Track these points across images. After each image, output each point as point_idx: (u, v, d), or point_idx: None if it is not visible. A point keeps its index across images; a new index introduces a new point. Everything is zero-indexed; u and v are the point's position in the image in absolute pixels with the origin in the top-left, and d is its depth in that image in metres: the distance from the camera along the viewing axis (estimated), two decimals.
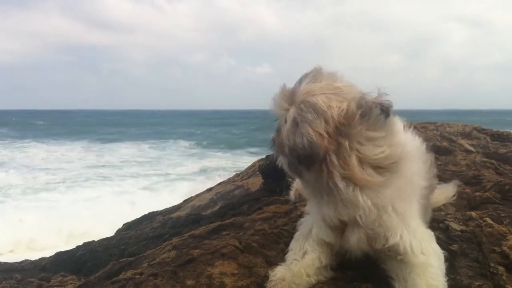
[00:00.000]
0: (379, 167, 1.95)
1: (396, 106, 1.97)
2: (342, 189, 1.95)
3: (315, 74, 2.04)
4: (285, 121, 2.02)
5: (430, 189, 2.43)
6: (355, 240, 2.13)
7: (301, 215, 3.06)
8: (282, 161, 2.16)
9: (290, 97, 2.03)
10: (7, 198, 19.61)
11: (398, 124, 2.10)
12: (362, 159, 1.93)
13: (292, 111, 1.98)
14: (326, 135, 1.87)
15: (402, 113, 2.20)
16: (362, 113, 1.89)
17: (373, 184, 1.95)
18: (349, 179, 1.94)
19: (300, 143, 1.90)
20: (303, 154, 1.91)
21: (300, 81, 2.05)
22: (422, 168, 2.24)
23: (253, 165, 7.60)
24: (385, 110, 1.92)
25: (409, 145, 2.11)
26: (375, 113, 1.90)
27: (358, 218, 2.03)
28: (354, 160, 1.91)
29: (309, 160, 1.92)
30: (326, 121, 1.88)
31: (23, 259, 4.73)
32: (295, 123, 1.95)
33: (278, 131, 2.10)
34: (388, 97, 1.95)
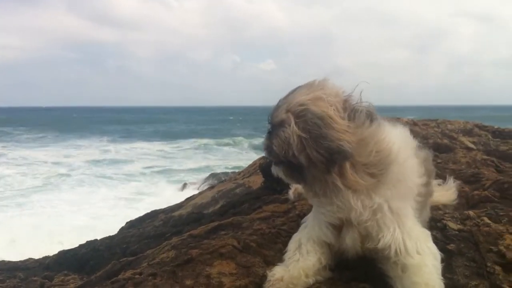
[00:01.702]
0: (370, 169, 1.99)
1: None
2: (339, 191, 2.01)
3: (307, 85, 2.10)
4: (282, 130, 2.03)
5: (428, 187, 2.43)
6: (350, 239, 2.15)
7: (299, 215, 3.07)
8: (277, 169, 2.21)
9: (286, 107, 2.06)
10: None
11: (386, 124, 2.12)
12: (353, 162, 1.97)
13: (292, 121, 2.00)
14: (344, 131, 1.92)
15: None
16: (347, 116, 1.95)
17: (364, 186, 2.00)
18: (343, 182, 1.99)
19: (330, 147, 1.90)
20: (335, 155, 1.91)
21: (293, 92, 2.11)
22: (416, 166, 2.24)
23: (254, 163, 7.61)
24: (370, 114, 1.99)
25: (400, 144, 2.12)
26: (360, 116, 1.96)
27: (351, 218, 2.06)
28: (346, 164, 1.96)
29: (342, 158, 1.93)
30: (335, 121, 1.92)
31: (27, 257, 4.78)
32: (306, 131, 1.95)
33: (273, 139, 2.10)
34: (368, 101, 2.03)
